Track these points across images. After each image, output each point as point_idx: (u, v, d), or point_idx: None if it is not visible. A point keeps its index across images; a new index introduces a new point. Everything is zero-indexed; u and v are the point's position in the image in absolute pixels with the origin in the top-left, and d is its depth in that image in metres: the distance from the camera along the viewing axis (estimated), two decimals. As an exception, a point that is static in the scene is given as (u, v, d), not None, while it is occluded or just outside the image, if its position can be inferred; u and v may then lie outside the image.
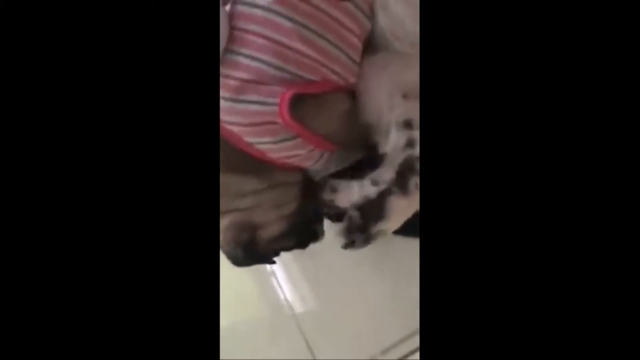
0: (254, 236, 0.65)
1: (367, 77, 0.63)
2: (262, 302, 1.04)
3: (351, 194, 0.66)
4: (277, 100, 0.56)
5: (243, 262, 0.68)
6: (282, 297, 1.01)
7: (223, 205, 0.63)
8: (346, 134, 0.63)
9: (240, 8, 0.57)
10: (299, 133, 0.58)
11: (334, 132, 0.61)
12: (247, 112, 0.57)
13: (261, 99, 0.56)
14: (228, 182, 0.62)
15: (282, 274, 1.02)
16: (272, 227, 0.66)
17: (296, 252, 0.97)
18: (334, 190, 0.67)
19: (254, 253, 0.67)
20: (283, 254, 1.00)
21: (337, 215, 0.70)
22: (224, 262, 1.00)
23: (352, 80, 0.61)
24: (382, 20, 0.61)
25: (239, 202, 0.63)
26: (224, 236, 0.65)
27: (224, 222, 0.64)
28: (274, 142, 0.59)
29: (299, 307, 0.99)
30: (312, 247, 0.78)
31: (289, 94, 0.55)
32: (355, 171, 0.68)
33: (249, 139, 0.60)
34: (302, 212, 0.67)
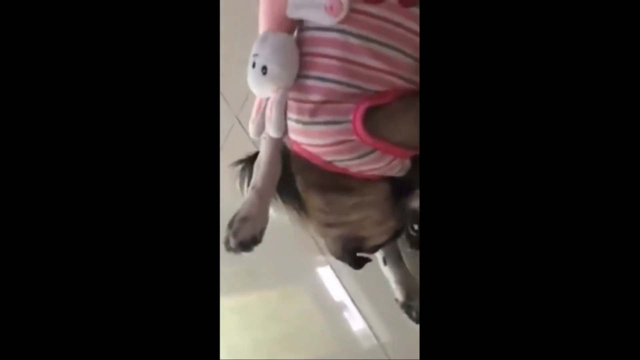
0: (361, 246, 0.70)
1: None
2: (338, 337, 1.04)
3: None
4: (350, 117, 0.57)
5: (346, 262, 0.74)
6: (354, 329, 1.01)
7: (332, 219, 0.67)
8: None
9: (307, 33, 0.60)
10: (376, 146, 0.59)
11: (410, 138, 0.60)
12: (322, 133, 0.59)
13: (334, 118, 0.58)
14: (330, 200, 0.65)
15: (353, 306, 1.02)
16: (376, 238, 0.70)
17: (366, 285, 0.97)
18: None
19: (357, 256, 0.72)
20: (351, 288, 1.01)
21: None
22: (289, 301, 1.01)
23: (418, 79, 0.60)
24: None
25: (346, 217, 0.66)
26: (334, 245, 0.72)
27: (334, 232, 0.69)
28: (352, 159, 0.61)
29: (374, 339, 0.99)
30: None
31: (360, 109, 0.57)
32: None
33: (327, 158, 0.62)
34: (401, 224, 0.70)
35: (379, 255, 0.77)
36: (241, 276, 1.22)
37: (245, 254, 1.20)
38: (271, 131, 0.61)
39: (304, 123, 0.60)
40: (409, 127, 0.59)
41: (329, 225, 0.69)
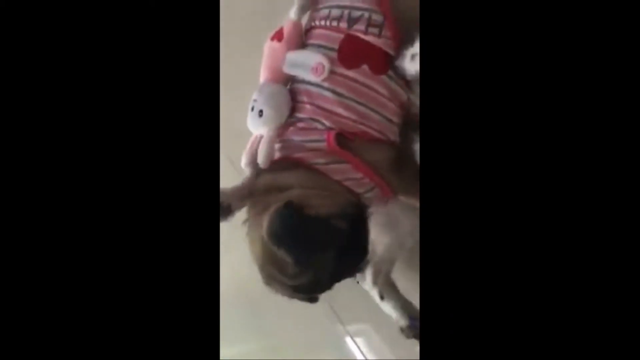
0: (301, 212, 0.67)
1: None
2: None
3: None
4: (324, 137, 0.72)
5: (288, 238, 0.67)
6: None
7: (270, 199, 0.70)
8: (397, 181, 0.75)
9: (297, 85, 0.78)
10: (347, 159, 0.72)
11: (381, 167, 0.74)
12: (299, 146, 0.74)
13: (310, 138, 0.74)
14: (273, 178, 0.73)
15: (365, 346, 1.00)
16: (321, 208, 0.69)
17: (374, 321, 0.92)
18: None
19: (303, 222, 0.67)
20: (358, 326, 0.95)
21: None
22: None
23: (392, 137, 0.76)
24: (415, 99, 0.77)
25: (285, 195, 0.70)
26: (268, 221, 0.68)
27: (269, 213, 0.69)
28: (326, 164, 0.73)
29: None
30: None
31: (333, 132, 0.72)
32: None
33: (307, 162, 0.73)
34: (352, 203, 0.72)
35: (375, 292, 0.80)
36: (265, 352, 1.20)
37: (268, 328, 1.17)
38: (260, 162, 0.74)
39: (285, 140, 0.75)
40: (380, 158, 0.74)
41: (264, 208, 0.69)
